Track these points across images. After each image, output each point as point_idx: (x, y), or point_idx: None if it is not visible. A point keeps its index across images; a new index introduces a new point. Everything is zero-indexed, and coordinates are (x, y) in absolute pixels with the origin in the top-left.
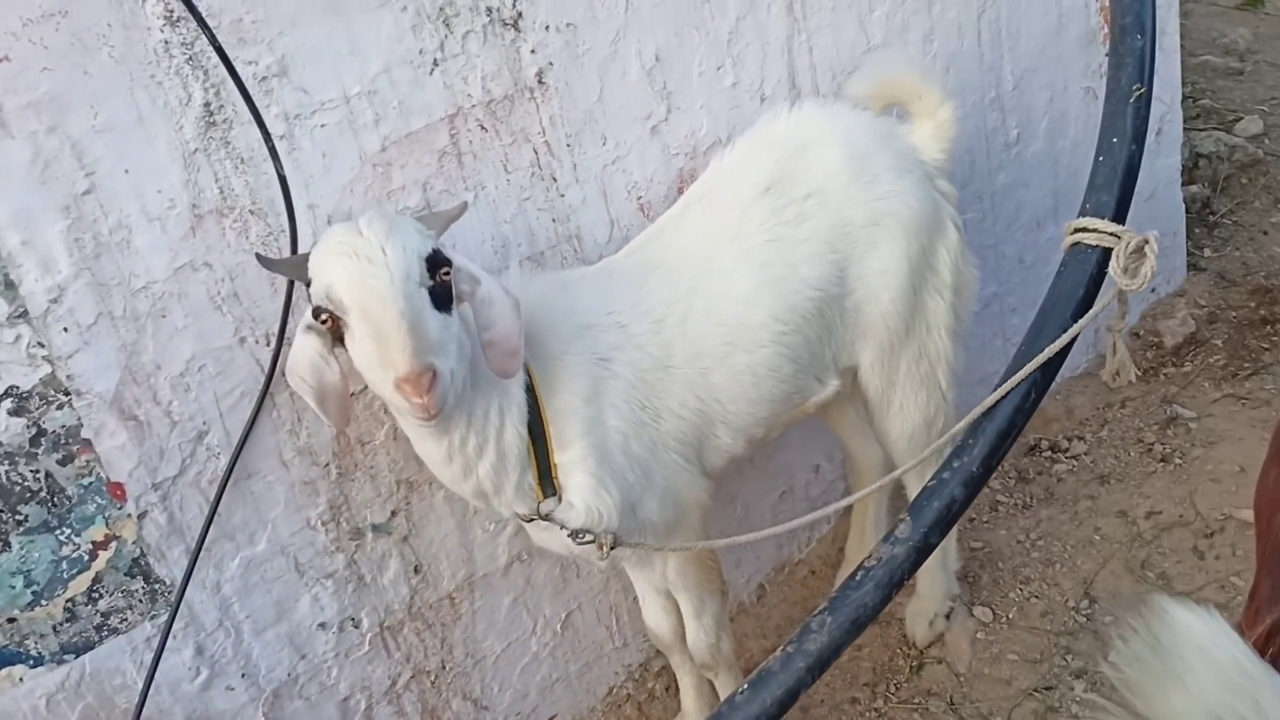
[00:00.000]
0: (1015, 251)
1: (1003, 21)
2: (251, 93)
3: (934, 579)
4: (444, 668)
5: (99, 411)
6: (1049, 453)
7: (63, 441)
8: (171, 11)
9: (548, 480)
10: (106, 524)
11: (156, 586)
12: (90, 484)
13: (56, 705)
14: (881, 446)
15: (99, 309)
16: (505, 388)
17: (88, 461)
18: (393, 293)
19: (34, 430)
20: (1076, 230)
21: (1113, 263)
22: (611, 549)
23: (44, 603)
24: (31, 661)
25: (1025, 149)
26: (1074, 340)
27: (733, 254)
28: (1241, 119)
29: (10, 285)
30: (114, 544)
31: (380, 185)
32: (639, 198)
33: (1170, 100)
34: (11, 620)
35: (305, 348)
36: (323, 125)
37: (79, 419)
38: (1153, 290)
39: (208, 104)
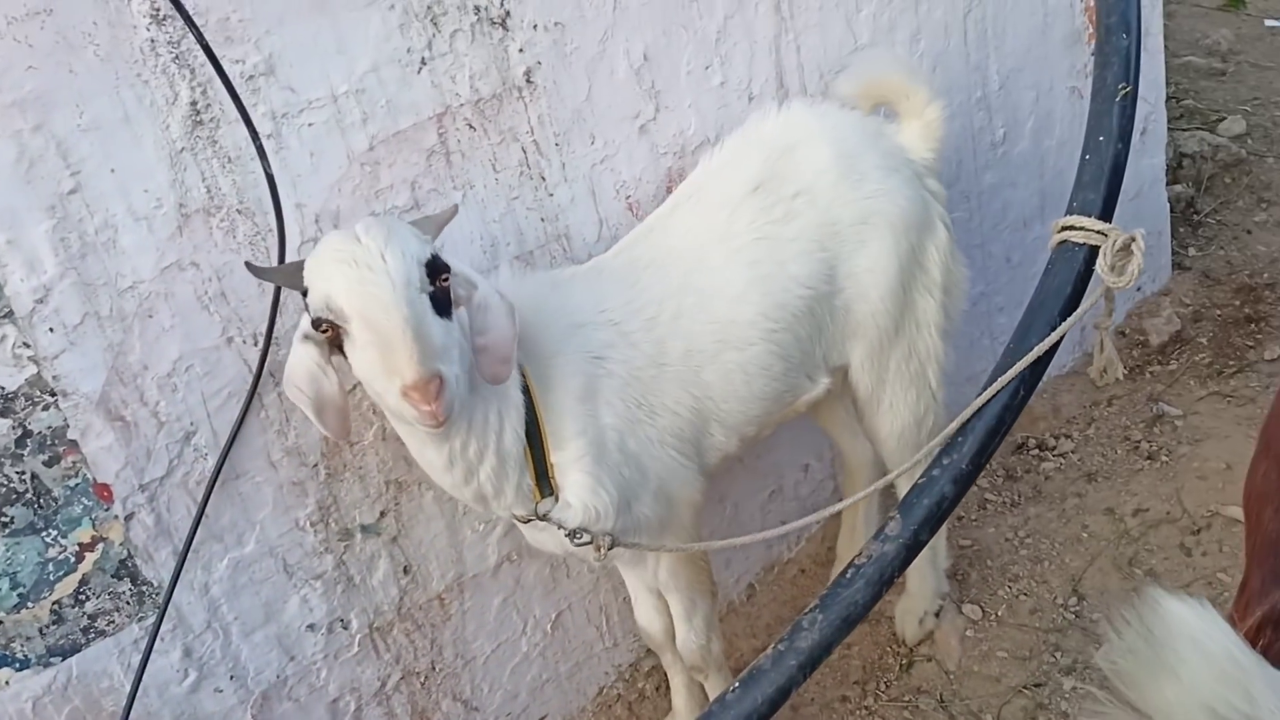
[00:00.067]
0: (1002, 251)
1: (989, 21)
2: (239, 91)
3: (924, 577)
4: (434, 669)
5: (85, 412)
6: (1037, 451)
7: (49, 442)
8: (158, 10)
9: (544, 480)
10: (93, 525)
11: (144, 588)
12: (77, 485)
13: (43, 708)
14: (872, 445)
15: (85, 309)
16: (503, 390)
17: (74, 463)
18: (395, 300)
19: (20, 431)
20: (1064, 228)
21: (1100, 260)
22: (609, 550)
23: (30, 605)
24: (18, 664)
25: (1011, 148)
26: (1063, 337)
27: (722, 252)
28: (1225, 119)
29: None
30: (101, 545)
31: (368, 184)
32: (627, 197)
33: (1155, 100)
34: None
35: (302, 358)
36: (310, 124)
37: (65, 420)
38: (1138, 289)
39: (194, 103)
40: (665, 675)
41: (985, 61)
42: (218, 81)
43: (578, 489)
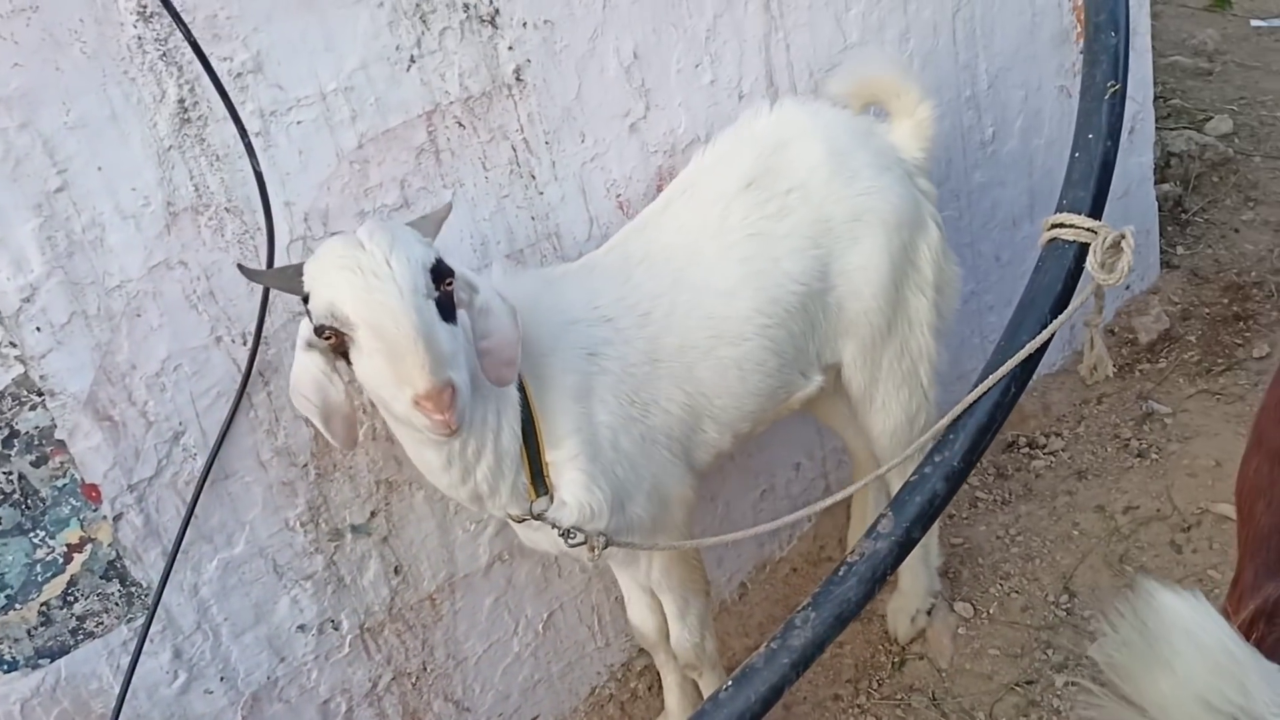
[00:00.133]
0: (992, 249)
1: (977, 20)
2: (227, 89)
3: (916, 575)
4: (425, 669)
5: (73, 412)
6: (1027, 449)
7: (36, 443)
8: (145, 7)
9: (539, 479)
10: (81, 526)
11: (133, 589)
12: (64, 486)
13: (32, 710)
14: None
15: (72, 308)
16: (501, 389)
17: (62, 463)
18: (404, 308)
19: (6, 431)
20: (1054, 226)
21: (1090, 257)
22: (603, 549)
23: (18, 606)
24: (6, 666)
25: (1001, 147)
26: (1053, 335)
27: (715, 248)
28: (1212, 118)
29: None
30: (89, 546)
31: (357, 182)
32: (618, 195)
33: (1143, 99)
34: None
35: (307, 366)
36: (299, 122)
37: (53, 420)
38: (1127, 287)
39: (182, 100)
40: (658, 675)
41: (974, 60)
42: (205, 79)
43: (573, 487)
